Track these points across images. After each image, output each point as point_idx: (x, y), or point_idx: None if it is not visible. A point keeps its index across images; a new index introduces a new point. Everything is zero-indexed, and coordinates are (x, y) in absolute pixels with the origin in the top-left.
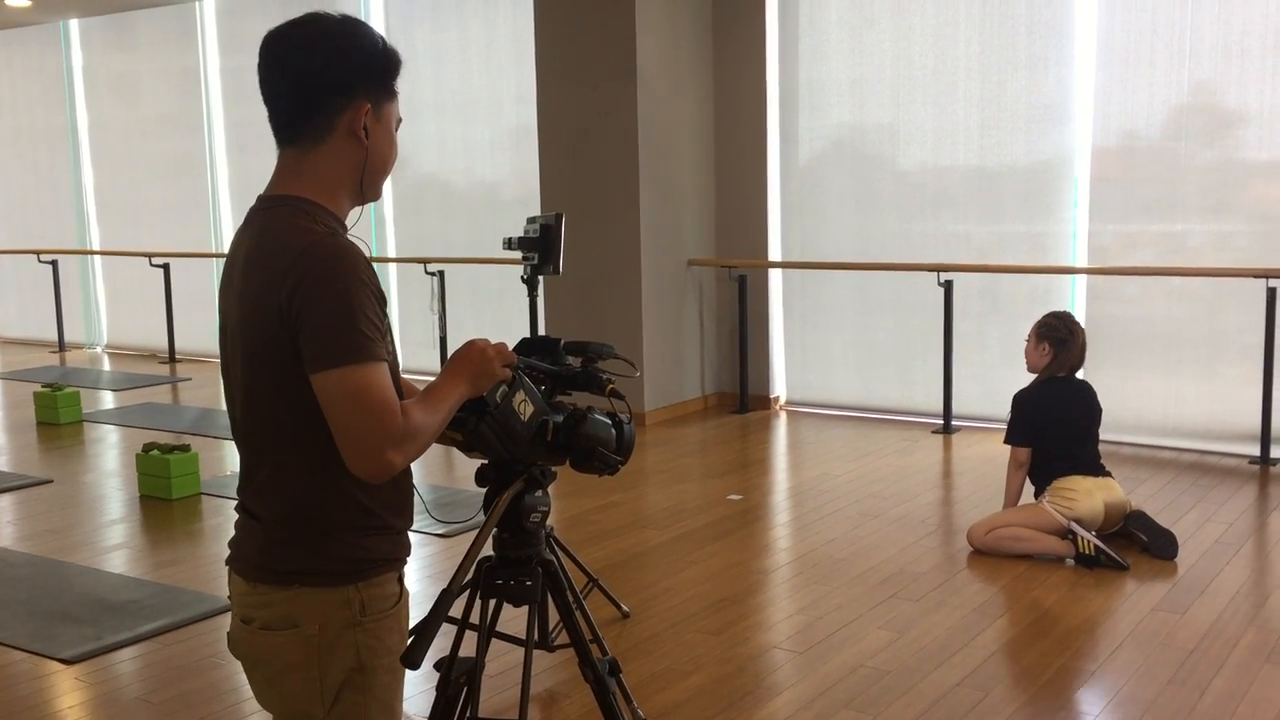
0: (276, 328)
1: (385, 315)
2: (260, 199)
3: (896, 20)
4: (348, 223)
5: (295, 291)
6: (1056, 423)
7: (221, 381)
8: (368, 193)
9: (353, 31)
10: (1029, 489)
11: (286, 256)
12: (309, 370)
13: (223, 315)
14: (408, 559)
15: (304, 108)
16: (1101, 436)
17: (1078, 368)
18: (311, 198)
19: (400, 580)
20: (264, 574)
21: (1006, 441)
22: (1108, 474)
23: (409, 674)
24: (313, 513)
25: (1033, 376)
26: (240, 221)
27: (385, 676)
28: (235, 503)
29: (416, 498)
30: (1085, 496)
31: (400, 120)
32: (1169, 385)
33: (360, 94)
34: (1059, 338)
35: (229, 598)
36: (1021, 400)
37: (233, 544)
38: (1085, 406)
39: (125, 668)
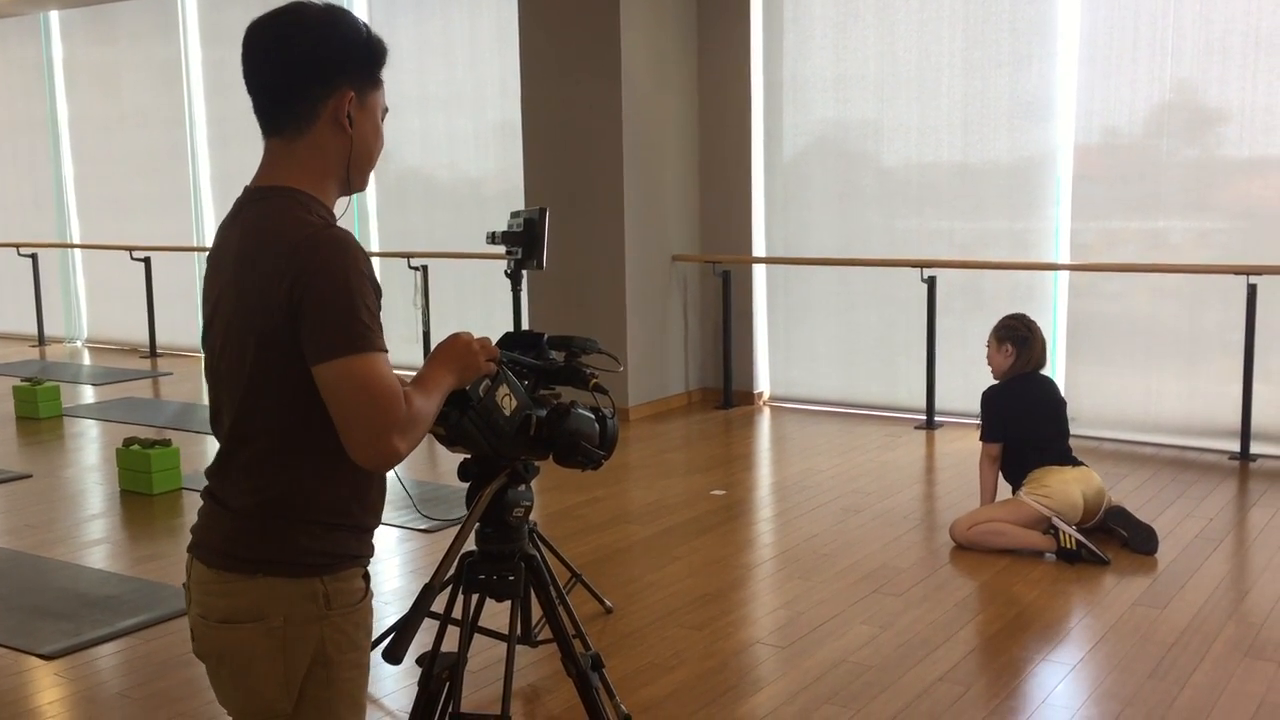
0: (277, 319)
1: (380, 307)
2: (248, 190)
3: (880, 17)
4: (335, 213)
5: (297, 283)
6: (1028, 417)
7: (204, 373)
8: (354, 182)
9: (335, 19)
10: (1006, 485)
11: (286, 248)
12: (311, 361)
13: (210, 306)
14: (371, 557)
15: (286, 96)
16: (1083, 432)
17: (1042, 365)
18: (300, 187)
19: (366, 578)
20: (230, 561)
21: (981, 438)
22: (1081, 463)
23: (391, 669)
24: (287, 503)
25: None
26: (223, 214)
27: (350, 671)
28: (203, 487)
29: (406, 493)
30: (1061, 486)
31: (386, 110)
32: (1150, 381)
33: (343, 82)
34: (1020, 336)
35: (185, 586)
36: (990, 397)
37: (195, 531)
38: (1052, 400)
39: (105, 663)
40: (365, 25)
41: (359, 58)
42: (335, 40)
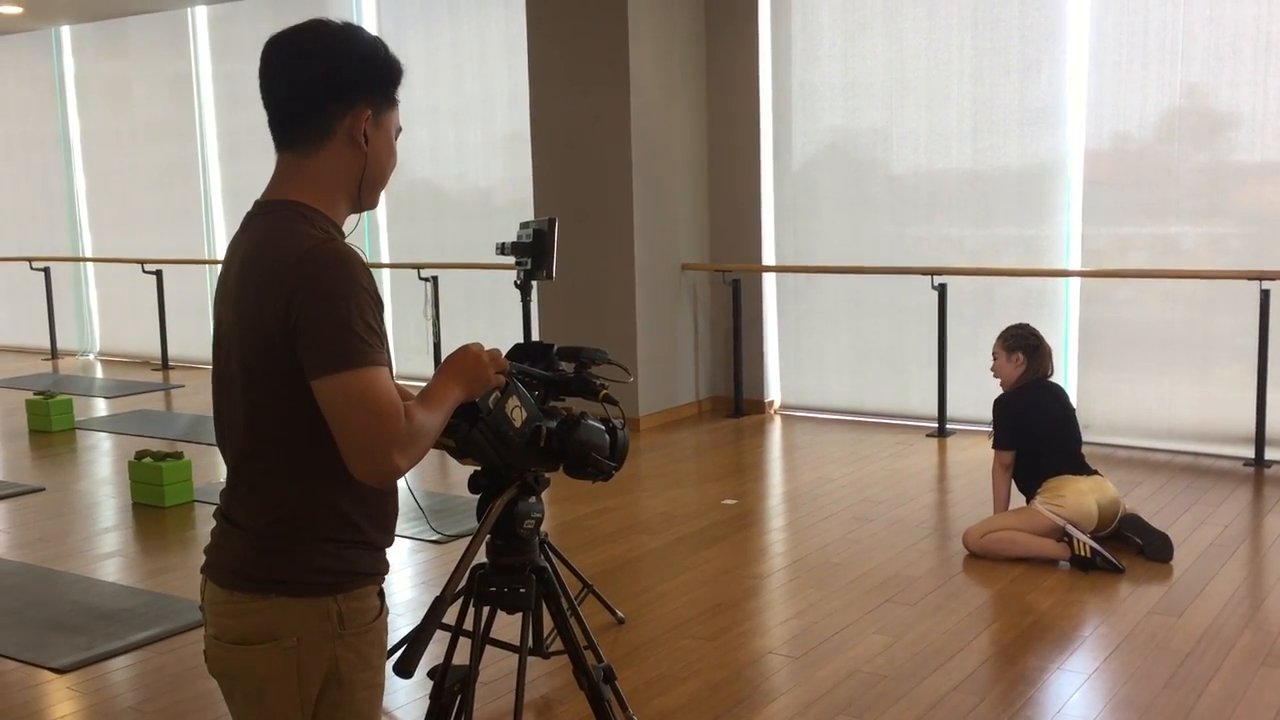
0: (275, 333)
1: (382, 322)
2: (257, 204)
3: (889, 24)
4: (345, 229)
5: (294, 297)
6: (1041, 425)
7: (212, 389)
8: (365, 200)
9: (355, 38)
10: (1021, 495)
11: (285, 261)
12: (310, 376)
13: (218, 320)
14: (386, 574)
15: (304, 112)
16: (1096, 439)
17: (1050, 373)
18: (309, 203)
19: (380, 595)
20: (243, 581)
21: (994, 446)
22: (1095, 472)
23: (402, 682)
24: (297, 522)
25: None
26: (234, 227)
27: (364, 691)
28: (215, 508)
29: (418, 506)
30: (1076, 496)
31: (400, 129)
32: (1163, 387)
33: (361, 100)
34: (1030, 345)
35: (201, 608)
36: (1004, 404)
37: (209, 551)
38: (1064, 407)
39: (117, 677)
40: (384, 44)
41: (377, 76)
42: (354, 58)
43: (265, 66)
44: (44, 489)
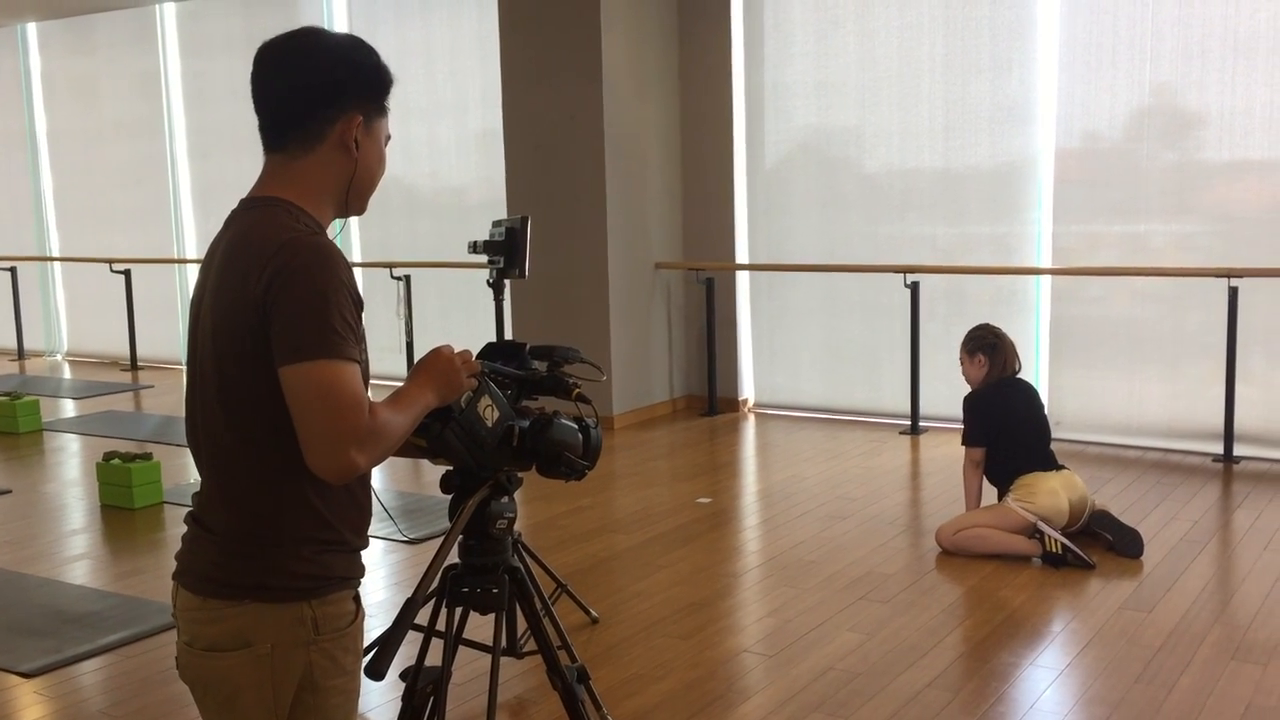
0: (250, 321)
1: (361, 321)
2: (242, 201)
3: (861, 23)
4: (329, 232)
5: (271, 284)
6: (1011, 422)
7: (185, 387)
8: (352, 205)
9: (350, 44)
10: (992, 491)
11: (266, 251)
12: (278, 363)
13: (194, 316)
14: (362, 578)
15: (296, 115)
16: (1067, 436)
17: (1017, 369)
18: (295, 201)
19: (356, 599)
20: (216, 588)
21: (964, 443)
22: (1064, 467)
23: (375, 684)
24: (271, 525)
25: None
26: (203, 225)
27: (338, 698)
28: (186, 513)
29: (383, 509)
30: (1048, 493)
31: (389, 137)
32: (1132, 384)
33: (352, 105)
34: (988, 344)
35: (173, 614)
36: (974, 401)
37: (180, 557)
38: (1034, 404)
39: (87, 680)
40: (376, 52)
41: (370, 83)
42: (348, 64)
43: (258, 70)
44: (11, 491)
